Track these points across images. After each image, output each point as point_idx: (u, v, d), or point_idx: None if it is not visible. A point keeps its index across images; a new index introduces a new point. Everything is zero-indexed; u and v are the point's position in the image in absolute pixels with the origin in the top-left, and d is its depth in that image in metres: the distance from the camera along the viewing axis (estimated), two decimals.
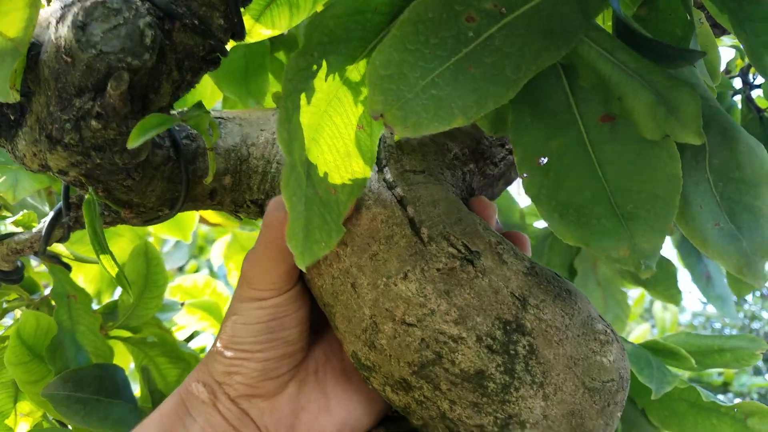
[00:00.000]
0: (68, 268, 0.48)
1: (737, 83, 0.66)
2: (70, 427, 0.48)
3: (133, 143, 0.22)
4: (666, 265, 0.80)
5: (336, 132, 0.29)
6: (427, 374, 0.31)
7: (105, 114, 0.24)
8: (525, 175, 0.29)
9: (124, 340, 0.53)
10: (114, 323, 0.52)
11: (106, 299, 0.56)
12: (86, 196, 0.30)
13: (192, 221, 0.60)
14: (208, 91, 0.45)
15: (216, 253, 0.87)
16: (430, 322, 0.30)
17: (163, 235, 0.61)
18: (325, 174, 0.29)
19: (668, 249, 0.87)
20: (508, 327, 0.30)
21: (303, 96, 0.26)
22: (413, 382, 0.31)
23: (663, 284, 0.79)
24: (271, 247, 0.33)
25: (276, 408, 0.34)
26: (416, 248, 0.32)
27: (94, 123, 0.24)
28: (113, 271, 0.31)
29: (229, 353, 0.34)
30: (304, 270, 0.27)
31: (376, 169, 0.35)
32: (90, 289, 0.56)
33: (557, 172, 0.28)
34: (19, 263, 0.40)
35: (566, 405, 0.31)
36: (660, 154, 0.26)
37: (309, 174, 0.28)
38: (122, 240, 0.55)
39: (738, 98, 0.64)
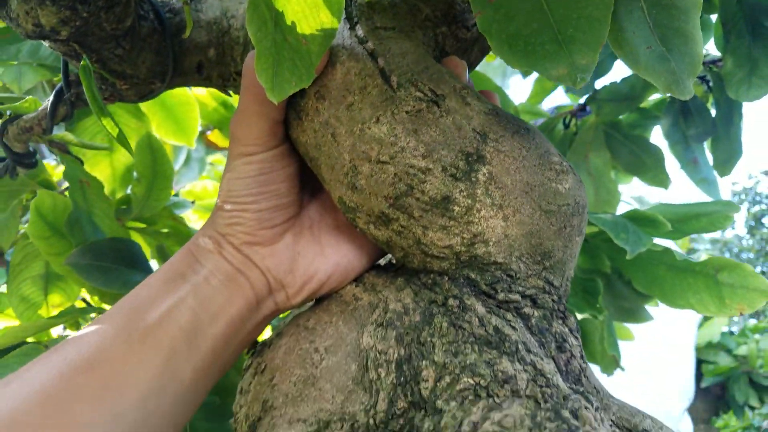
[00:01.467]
0: (80, 161, 0.52)
1: None
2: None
3: None
4: (655, 152, 0.83)
5: None
6: (402, 204, 0.34)
7: None
8: (479, 12, 0.31)
9: (140, 231, 0.57)
10: (129, 215, 0.56)
11: (121, 196, 0.60)
12: (82, 63, 0.33)
13: (194, 122, 0.63)
14: None
15: None
16: (401, 158, 0.34)
17: (169, 141, 0.64)
18: (293, 23, 0.32)
19: (659, 138, 0.89)
20: (470, 158, 0.34)
21: None
22: (391, 214, 0.35)
23: (653, 170, 0.82)
24: (251, 101, 0.35)
25: (275, 253, 0.38)
26: (387, 95, 0.35)
27: None
28: (114, 131, 0.35)
29: (228, 206, 0.38)
30: (276, 103, 0.30)
31: (348, 26, 0.37)
32: (104, 189, 0.60)
33: (507, 8, 0.31)
34: (31, 148, 0.44)
35: (525, 226, 0.34)
36: None
37: (277, 21, 0.31)
38: (130, 142, 0.58)
39: None
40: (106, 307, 0.56)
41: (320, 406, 0.33)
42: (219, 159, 1.44)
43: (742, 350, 2.72)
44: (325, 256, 0.39)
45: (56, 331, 0.63)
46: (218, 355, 0.36)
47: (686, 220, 0.61)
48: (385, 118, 0.34)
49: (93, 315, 0.55)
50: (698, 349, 2.93)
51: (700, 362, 2.86)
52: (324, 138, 0.36)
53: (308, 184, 0.42)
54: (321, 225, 0.41)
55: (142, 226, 0.56)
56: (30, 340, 0.57)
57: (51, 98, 0.39)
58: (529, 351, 0.33)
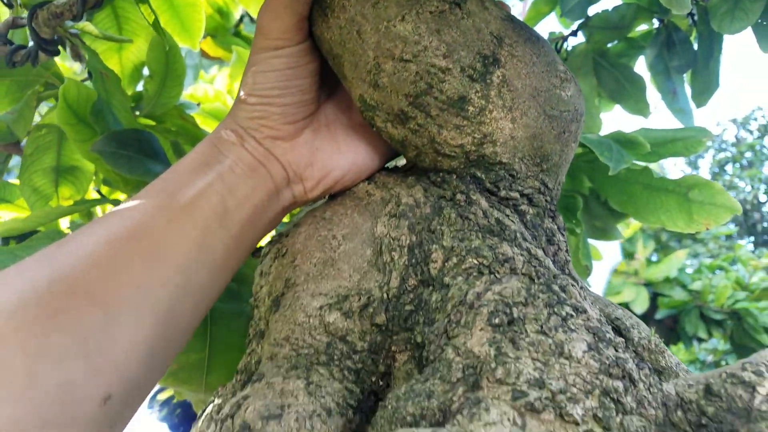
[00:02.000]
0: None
1: None
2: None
3: None
4: (637, 81, 0.86)
5: None
6: (420, 103, 0.37)
7: None
8: None
9: (150, 128, 0.59)
10: (141, 112, 0.58)
11: (130, 93, 0.61)
12: None
13: (199, 24, 0.63)
14: None
15: (222, 79, 0.91)
16: (423, 57, 0.36)
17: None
18: None
19: (642, 69, 0.93)
20: (486, 60, 0.37)
21: None
22: (409, 113, 0.38)
23: (633, 98, 0.86)
24: None
25: (295, 148, 0.40)
26: None
27: None
28: (150, 18, 0.36)
29: (252, 100, 0.39)
30: None
31: None
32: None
33: None
34: (56, 36, 0.45)
35: (530, 128, 0.38)
36: None
37: None
38: (139, 40, 0.59)
39: None
40: (122, 197, 0.58)
41: (339, 283, 0.37)
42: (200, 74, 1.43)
43: (696, 285, 2.88)
44: (341, 153, 0.42)
45: (65, 224, 0.66)
46: (244, 238, 0.39)
47: (663, 144, 0.66)
48: (410, 17, 0.36)
49: (100, 208, 0.57)
50: (655, 284, 3.08)
51: (656, 295, 3.02)
52: (349, 35, 0.38)
53: (324, 85, 0.44)
54: (337, 124, 0.43)
55: (152, 123, 0.58)
56: (41, 229, 0.59)
57: None
58: (525, 239, 0.38)
